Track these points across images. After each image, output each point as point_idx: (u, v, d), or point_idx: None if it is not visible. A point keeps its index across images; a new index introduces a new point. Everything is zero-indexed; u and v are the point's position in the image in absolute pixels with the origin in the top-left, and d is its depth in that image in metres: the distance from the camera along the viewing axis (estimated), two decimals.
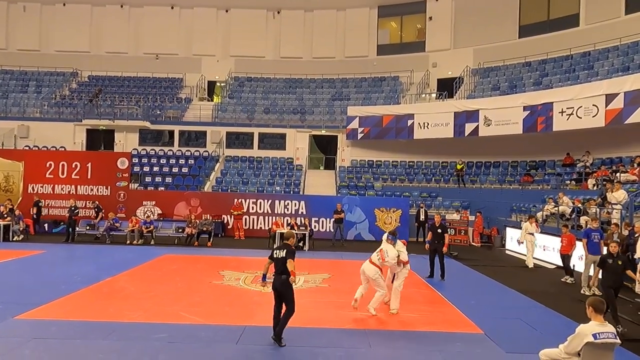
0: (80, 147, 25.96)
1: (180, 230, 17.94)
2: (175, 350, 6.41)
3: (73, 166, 20.21)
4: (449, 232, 14.95)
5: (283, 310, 6.78)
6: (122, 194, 20.24)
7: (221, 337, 7.02)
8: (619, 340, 5.09)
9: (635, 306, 9.56)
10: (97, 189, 20.16)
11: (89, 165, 20.28)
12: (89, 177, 20.18)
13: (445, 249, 12.04)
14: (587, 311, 5.16)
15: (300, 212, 20.10)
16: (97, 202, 19.31)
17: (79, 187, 20.10)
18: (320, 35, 30.63)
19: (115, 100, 28.24)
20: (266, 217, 20.26)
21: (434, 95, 27.92)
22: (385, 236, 8.85)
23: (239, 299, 9.46)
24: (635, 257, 10.52)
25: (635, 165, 17.39)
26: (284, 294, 6.70)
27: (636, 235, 11.00)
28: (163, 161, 25.60)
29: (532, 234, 14.80)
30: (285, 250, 6.74)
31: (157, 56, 31.03)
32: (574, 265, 12.50)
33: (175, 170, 24.75)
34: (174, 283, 10.71)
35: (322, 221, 20.14)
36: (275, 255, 6.83)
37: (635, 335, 7.57)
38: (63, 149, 24.54)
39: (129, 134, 26.80)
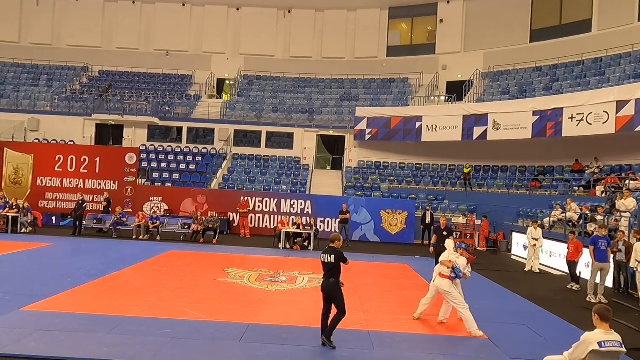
0: (90, 141, 26.14)
1: (186, 226, 18.01)
2: (179, 346, 6.43)
3: (82, 160, 20.38)
4: (455, 236, 14.87)
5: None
6: (129, 189, 20.36)
7: (225, 334, 7.04)
8: (624, 349, 5.04)
9: None
10: (105, 184, 20.31)
11: (98, 159, 20.44)
12: (97, 171, 20.35)
13: None
14: (593, 319, 5.11)
15: (306, 212, 20.12)
16: (108, 195, 19.42)
17: (87, 181, 20.27)
18: (330, 35, 30.63)
19: (125, 95, 28.41)
20: (272, 216, 20.29)
21: (443, 98, 27.82)
22: (452, 245, 8.36)
23: (243, 296, 9.48)
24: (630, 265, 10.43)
25: None
26: (333, 296, 6.72)
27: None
28: (171, 157, 25.71)
29: (536, 239, 14.75)
30: (333, 256, 6.73)
31: (168, 53, 31.18)
32: (580, 273, 12.41)
33: (182, 166, 24.86)
34: (178, 279, 10.75)
35: (328, 221, 20.16)
36: (322, 259, 6.81)
37: None
38: (72, 143, 24.72)
39: (138, 129, 26.94)
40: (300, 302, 9.26)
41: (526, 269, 14.72)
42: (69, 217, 19.02)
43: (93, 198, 20.03)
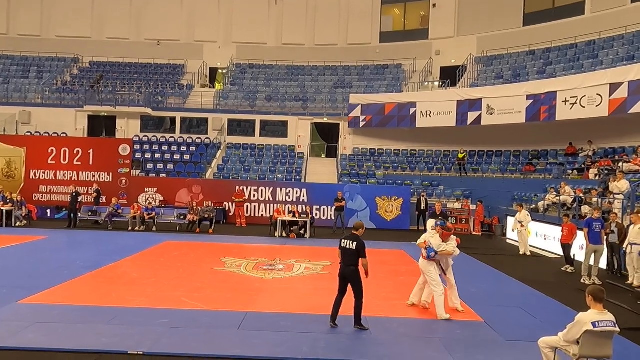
0: (82, 133, 25.93)
1: (182, 217, 17.99)
2: (177, 335, 6.46)
3: (75, 152, 20.25)
4: (450, 221, 14.97)
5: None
6: (123, 181, 20.28)
7: (222, 322, 7.08)
8: (618, 329, 5.11)
9: (635, 295, 9.59)
10: (99, 175, 20.21)
11: (91, 151, 20.32)
12: (90, 163, 20.24)
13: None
14: (586, 300, 5.17)
15: (301, 200, 20.14)
16: (97, 187, 19.33)
17: (80, 173, 20.16)
18: (323, 22, 30.38)
19: (116, 86, 28.15)
20: (268, 205, 20.30)
21: (436, 83, 27.76)
22: (431, 224, 8.35)
23: (240, 285, 9.52)
24: (622, 247, 10.54)
25: (639, 155, 17.32)
26: (354, 282, 6.83)
27: (629, 225, 11.00)
28: (165, 148, 25.58)
29: (521, 223, 14.87)
30: (355, 243, 6.77)
31: (159, 42, 30.84)
32: (574, 255, 12.53)
33: (176, 157, 24.75)
34: (175, 269, 10.77)
35: (324, 209, 20.19)
36: (343, 245, 6.88)
37: (634, 325, 7.60)
38: (65, 135, 24.53)
39: (131, 120, 26.75)
40: (297, 289, 9.31)
41: (520, 252, 14.86)
42: (64, 209, 18.96)
43: (87, 190, 19.92)
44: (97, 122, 26.85)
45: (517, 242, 15.64)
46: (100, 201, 18.92)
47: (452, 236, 8.09)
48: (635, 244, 10.51)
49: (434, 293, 7.79)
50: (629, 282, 10.78)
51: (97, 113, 26.57)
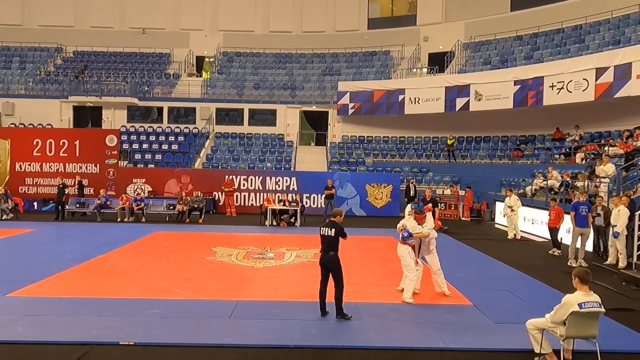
0: (68, 124, 25.60)
1: (171, 207, 17.91)
2: (169, 325, 6.46)
3: (61, 144, 19.99)
4: (439, 207, 15.08)
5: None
6: (111, 172, 20.09)
7: (214, 312, 7.09)
8: (603, 309, 5.22)
9: (620, 277, 9.77)
10: (86, 167, 20.00)
11: (77, 142, 20.08)
12: (77, 154, 20.00)
13: (436, 224, 12.14)
14: (573, 282, 5.26)
15: (291, 188, 20.12)
16: (79, 178, 18.97)
17: (67, 165, 19.93)
18: (310, 8, 30.12)
19: (102, 76, 27.74)
20: (257, 194, 20.26)
21: (425, 70, 27.74)
22: (408, 209, 8.38)
23: (231, 274, 9.52)
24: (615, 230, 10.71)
25: (624, 139, 17.52)
26: (333, 269, 6.83)
27: (613, 208, 11.17)
28: (152, 138, 25.34)
29: (511, 207, 15.03)
30: (334, 229, 6.81)
31: (144, 31, 30.39)
32: (561, 238, 12.71)
33: (164, 147, 24.55)
34: (165, 260, 10.74)
35: (314, 197, 20.20)
36: (322, 232, 6.88)
37: (619, 305, 7.75)
38: (50, 127, 24.19)
39: (117, 110, 26.43)
40: (288, 277, 9.34)
41: (509, 237, 15.03)
42: (51, 202, 18.75)
43: (74, 182, 19.72)
44: (83, 112, 26.49)
45: (506, 226, 15.81)
46: (84, 193, 18.59)
47: (429, 218, 8.14)
48: (615, 226, 10.71)
49: (406, 277, 7.92)
50: (607, 262, 10.98)
51: (83, 103, 26.20)
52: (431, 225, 8.10)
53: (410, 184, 19.84)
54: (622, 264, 10.62)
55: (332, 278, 6.86)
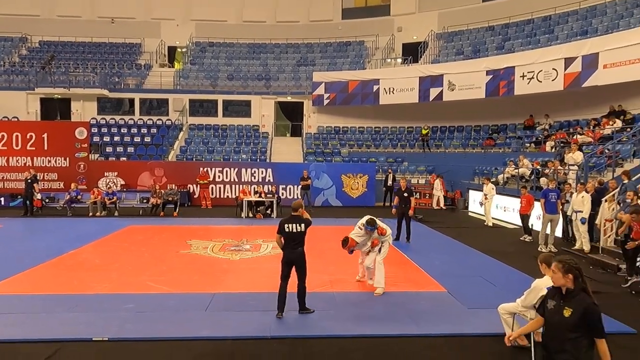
0: (35, 117, 24.82)
1: (144, 200, 17.62)
2: (144, 320, 6.39)
3: (28, 137, 19.37)
4: (415, 196, 15.25)
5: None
6: (81, 165, 19.61)
7: (190, 304, 7.03)
8: None
9: (588, 261, 10.09)
10: (55, 160, 19.47)
11: (45, 135, 19.48)
12: (45, 148, 19.42)
13: (411, 212, 12.31)
14: (540, 267, 5.40)
15: (267, 180, 20.04)
16: (34, 172, 17.55)
17: (35, 158, 19.34)
18: None
19: (70, 67, 26.91)
20: (233, 186, 20.11)
21: (399, 60, 27.87)
22: (361, 223, 7.83)
23: (207, 267, 9.45)
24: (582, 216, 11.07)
25: (591, 127, 18.02)
26: (301, 266, 6.61)
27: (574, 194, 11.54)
28: (124, 130, 24.81)
29: (486, 195, 15.41)
30: (303, 224, 6.57)
31: (113, 20, 29.58)
32: (532, 225, 13.04)
33: (137, 139, 24.07)
34: (139, 254, 10.58)
35: (290, 188, 20.17)
36: (290, 230, 6.51)
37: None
38: (16, 119, 23.41)
39: (87, 102, 25.74)
40: (265, 268, 9.32)
41: (485, 224, 15.39)
42: (19, 197, 18.20)
43: (44, 176, 19.19)
44: (51, 105, 25.71)
45: (483, 215, 16.14)
46: (34, 190, 16.91)
47: (384, 236, 7.84)
48: (580, 211, 11.05)
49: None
50: (575, 247, 11.34)
51: (50, 95, 25.42)
52: (387, 247, 7.94)
53: (389, 174, 20.03)
54: (586, 248, 10.98)
55: (297, 273, 6.60)
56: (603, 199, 11.04)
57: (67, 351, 5.44)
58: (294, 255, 6.56)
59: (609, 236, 10.91)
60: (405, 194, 12.36)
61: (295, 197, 19.67)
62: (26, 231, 13.78)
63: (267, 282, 8.28)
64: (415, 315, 6.67)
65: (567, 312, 3.43)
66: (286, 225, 6.56)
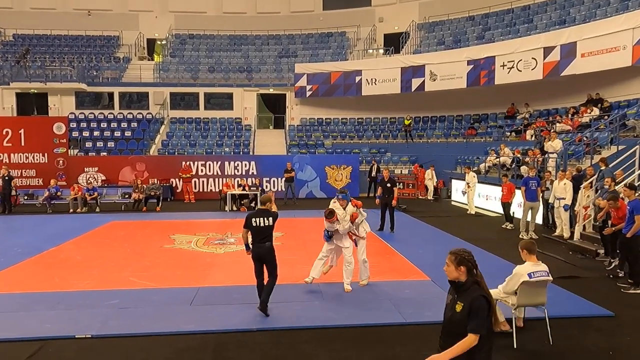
0: (10, 112, 24.24)
1: (126, 196, 17.40)
2: (127, 316, 6.33)
3: (4, 133, 18.96)
4: (398, 186, 15.35)
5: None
6: (60, 161, 19.26)
7: (174, 299, 6.99)
8: (550, 278, 5.50)
9: (567, 247, 10.29)
10: (33, 157, 19.09)
11: (22, 131, 19.08)
12: (22, 144, 19.02)
13: (394, 202, 12.39)
14: (521, 254, 5.50)
15: (250, 173, 19.95)
16: (7, 169, 16.73)
17: (12, 155, 18.93)
18: None
19: (46, 60, 26.31)
20: (216, 179, 19.97)
21: (381, 50, 27.87)
22: (333, 201, 7.71)
23: (191, 261, 9.39)
24: (565, 203, 11.27)
25: (570, 115, 18.31)
26: (269, 261, 6.42)
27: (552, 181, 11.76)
28: (104, 125, 24.40)
29: (468, 184, 15.60)
30: (271, 218, 6.37)
31: (89, 12, 28.96)
32: (513, 212, 13.24)
33: (117, 134, 23.69)
34: (122, 249, 10.46)
35: (274, 181, 20.11)
36: (257, 224, 6.31)
37: (567, 273, 8.19)
38: None
39: (64, 97, 25.22)
40: (250, 262, 9.21)
41: (469, 212, 15.60)
42: None
43: (22, 172, 18.81)
44: (27, 99, 25.12)
45: (466, 204, 16.32)
46: (11, 188, 16.47)
47: (349, 210, 7.48)
48: (562, 198, 11.25)
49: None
50: (556, 233, 11.56)
51: (26, 90, 24.83)
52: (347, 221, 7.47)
53: (373, 165, 20.10)
54: (567, 234, 11.20)
55: (267, 269, 6.44)
56: (581, 186, 11.25)
57: (50, 349, 5.36)
58: (262, 250, 6.36)
59: (587, 222, 11.13)
60: (388, 184, 12.42)
61: (280, 189, 19.63)
62: (5, 229, 13.49)
63: (252, 275, 8.24)
64: (399, 304, 6.73)
65: (458, 307, 3.19)
66: (254, 219, 6.35)
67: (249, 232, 6.44)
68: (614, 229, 8.23)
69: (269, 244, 6.40)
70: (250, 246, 6.49)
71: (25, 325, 6.00)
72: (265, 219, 6.36)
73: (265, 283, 6.48)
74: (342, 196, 7.67)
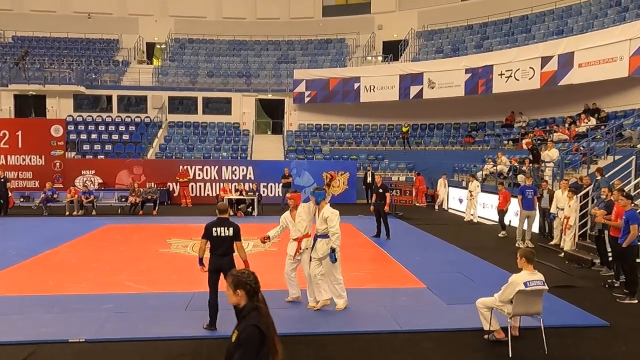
0: (8, 114, 24.19)
1: (123, 199, 17.36)
2: (123, 320, 6.30)
3: (1, 135, 18.94)
4: (394, 193, 15.39)
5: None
6: (58, 164, 19.23)
7: (169, 304, 6.96)
8: (546, 287, 5.50)
9: (564, 256, 10.30)
10: (30, 159, 19.07)
11: (19, 133, 19.06)
12: (19, 146, 18.99)
13: (386, 208, 12.35)
14: (518, 262, 5.50)
15: (248, 178, 19.95)
16: (2, 170, 16.85)
17: (9, 157, 18.90)
18: None
19: (45, 63, 26.31)
20: (213, 184, 19.95)
21: (379, 58, 27.99)
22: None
23: (187, 266, 9.35)
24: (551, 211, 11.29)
25: (567, 125, 18.39)
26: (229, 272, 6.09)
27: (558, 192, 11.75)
28: (102, 128, 24.37)
29: (471, 192, 15.59)
30: (232, 228, 6.01)
31: (90, 15, 29.00)
32: (510, 221, 13.25)
33: (115, 137, 23.68)
34: (118, 253, 10.43)
35: (271, 186, 20.11)
36: (217, 234, 5.97)
37: (561, 282, 8.20)
38: None
39: (62, 99, 25.19)
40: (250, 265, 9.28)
41: (466, 219, 15.60)
42: None
43: (18, 174, 18.76)
44: (25, 101, 25.08)
45: (462, 212, 16.30)
46: (9, 187, 16.52)
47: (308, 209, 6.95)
48: (563, 208, 11.24)
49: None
50: (552, 242, 11.55)
51: (25, 92, 24.80)
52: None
53: (368, 172, 20.12)
54: (567, 246, 11.14)
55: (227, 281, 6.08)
56: (577, 195, 11.25)
57: (43, 353, 5.33)
58: (222, 261, 5.95)
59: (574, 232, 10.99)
60: (381, 190, 12.44)
61: (277, 195, 19.63)
62: (0, 231, 13.43)
63: None
64: (395, 311, 6.72)
65: (233, 336, 2.80)
66: (214, 229, 6.01)
67: (208, 243, 6.05)
68: (604, 220, 8.26)
69: (230, 256, 6.01)
70: (202, 258, 6.10)
71: (19, 328, 5.96)
72: (226, 228, 6.02)
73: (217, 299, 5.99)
74: (316, 194, 6.88)
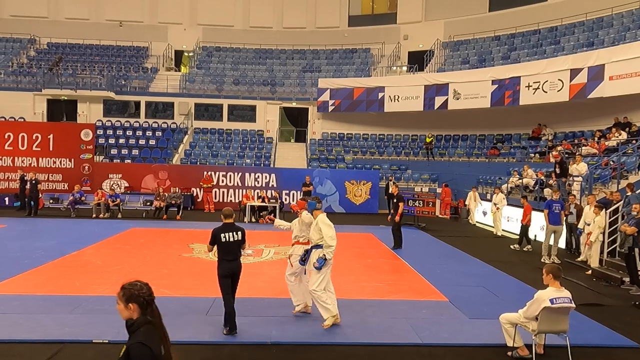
0: (41, 117, 24.98)
1: (148, 203, 17.65)
2: None
3: (34, 138, 19.51)
4: (417, 204, 15.25)
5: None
6: (86, 167, 19.71)
7: (191, 308, 7.02)
8: (573, 305, 5.35)
9: (592, 273, 10.01)
10: (60, 162, 19.58)
11: (51, 136, 19.63)
12: (51, 149, 19.55)
13: (397, 218, 12.19)
14: (544, 277, 5.37)
15: (270, 185, 20.07)
16: (23, 173, 17.37)
17: (40, 159, 19.45)
18: (291, 4, 30.01)
19: (77, 69, 27.13)
20: (236, 190, 20.14)
21: (404, 68, 27.92)
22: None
23: (208, 271, 9.39)
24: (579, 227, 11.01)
25: (596, 139, 17.96)
26: (239, 278, 6.17)
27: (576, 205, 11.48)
28: (129, 133, 24.93)
29: (496, 205, 15.34)
30: (240, 232, 6.10)
31: (121, 23, 29.81)
32: (535, 235, 12.98)
33: (142, 142, 24.16)
34: (141, 256, 10.59)
35: (293, 194, 20.17)
36: (226, 239, 5.99)
37: (588, 300, 7.96)
38: (22, 120, 23.56)
39: (93, 104, 25.89)
40: (267, 274, 9.31)
41: (496, 233, 15.36)
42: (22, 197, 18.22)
43: (48, 177, 19.30)
44: (57, 106, 25.87)
45: (486, 224, 16.04)
46: (26, 191, 16.91)
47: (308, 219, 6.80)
48: (590, 224, 10.95)
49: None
50: (579, 259, 11.25)
51: (57, 97, 25.59)
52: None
53: (389, 182, 20.00)
54: (594, 264, 10.86)
55: (233, 287, 6.12)
56: (606, 211, 10.96)
57: (67, 353, 5.43)
58: (233, 265, 6.02)
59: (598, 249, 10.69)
60: (395, 200, 12.33)
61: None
62: (29, 232, 13.81)
63: (269, 287, 8.28)
64: (416, 324, 6.62)
65: (122, 351, 2.59)
66: (222, 235, 6.00)
67: (215, 248, 6.04)
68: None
69: (239, 260, 6.12)
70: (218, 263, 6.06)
71: (44, 328, 6.09)
72: (235, 233, 6.07)
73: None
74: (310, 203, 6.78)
